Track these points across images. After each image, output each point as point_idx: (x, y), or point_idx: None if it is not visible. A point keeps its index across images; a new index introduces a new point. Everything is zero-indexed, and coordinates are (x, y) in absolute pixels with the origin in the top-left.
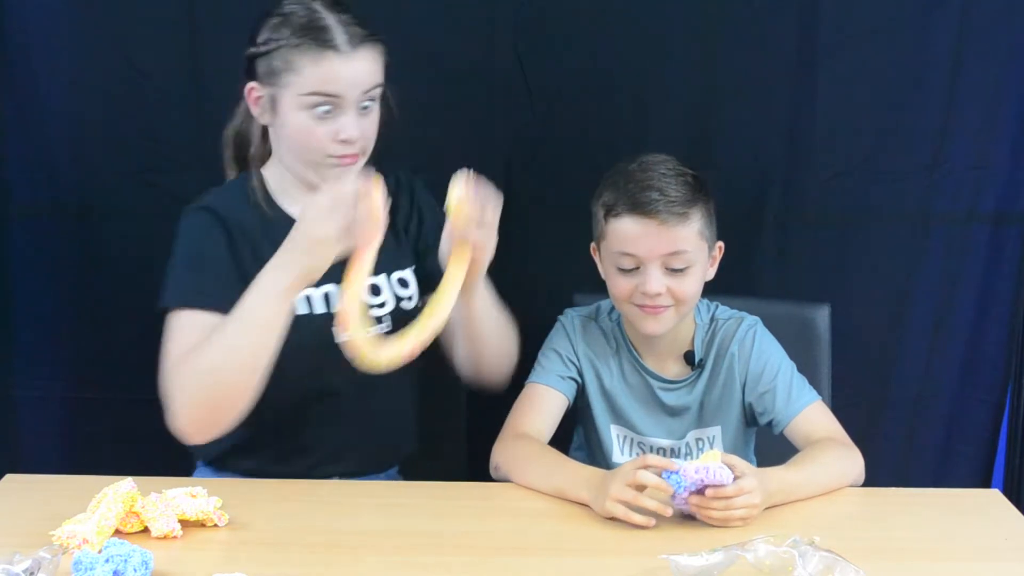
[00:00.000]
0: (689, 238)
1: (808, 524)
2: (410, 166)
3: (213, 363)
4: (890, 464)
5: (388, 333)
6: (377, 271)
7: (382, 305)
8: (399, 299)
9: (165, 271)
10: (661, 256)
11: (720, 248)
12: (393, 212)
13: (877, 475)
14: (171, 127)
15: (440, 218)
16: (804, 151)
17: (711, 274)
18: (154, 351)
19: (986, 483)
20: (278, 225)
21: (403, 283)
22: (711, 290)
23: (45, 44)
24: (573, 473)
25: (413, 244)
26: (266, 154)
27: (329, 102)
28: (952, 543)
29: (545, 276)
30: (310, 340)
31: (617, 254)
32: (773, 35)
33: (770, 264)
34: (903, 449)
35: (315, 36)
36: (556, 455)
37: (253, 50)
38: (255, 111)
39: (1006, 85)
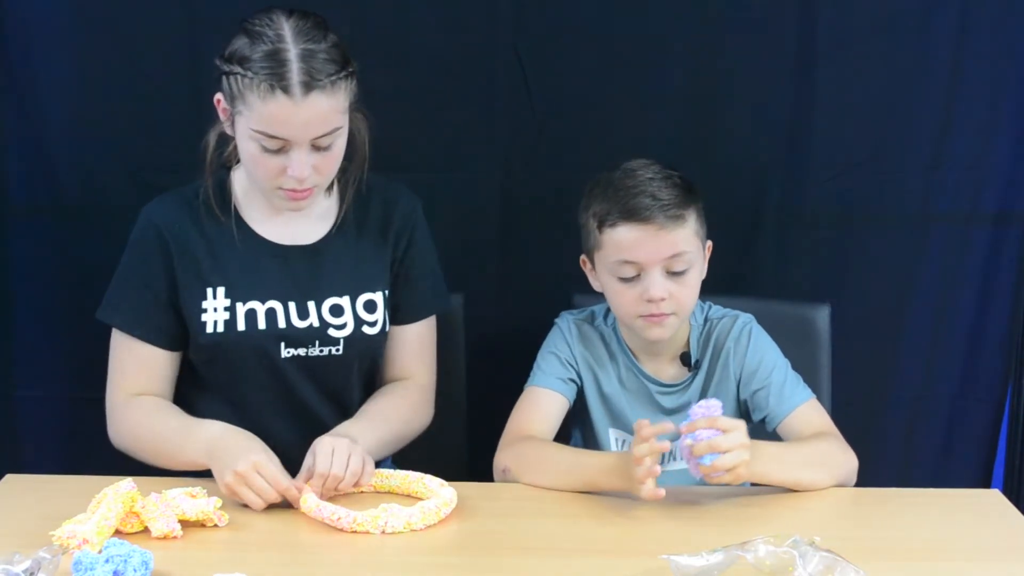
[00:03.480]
0: (687, 239)
1: (808, 524)
2: (410, 166)
3: (142, 442)
4: (890, 464)
5: (337, 356)
6: (340, 292)
7: (342, 327)
8: (361, 323)
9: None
10: (662, 260)
11: (709, 247)
12: (382, 223)
13: (877, 475)
14: (171, 127)
15: (429, 253)
16: (804, 151)
17: (704, 272)
18: None
19: (986, 483)
20: (230, 234)
21: (370, 306)
22: (712, 290)
23: (45, 44)
24: (600, 464)
25: (396, 266)
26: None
27: (277, 142)
28: (952, 543)
29: (545, 276)
30: (252, 355)
31: (616, 263)
32: (773, 35)
33: (770, 264)
34: (903, 449)
35: (270, 72)
36: (571, 450)
37: (218, 64)
38: (223, 120)
39: (1006, 85)
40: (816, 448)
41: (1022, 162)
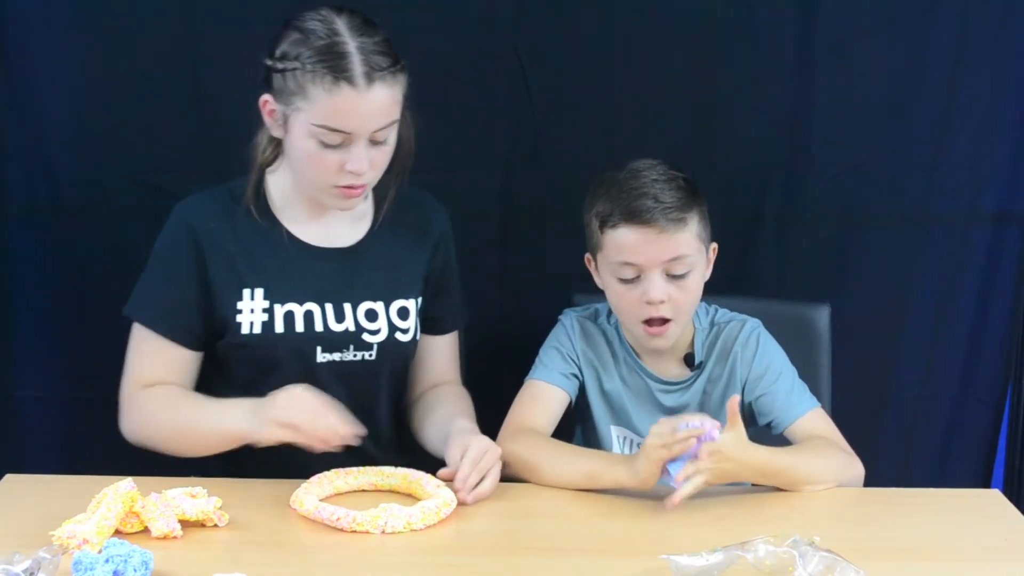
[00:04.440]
0: (688, 243)
1: (808, 524)
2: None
3: (159, 428)
4: (890, 464)
5: (370, 362)
6: (375, 297)
7: (376, 332)
8: (395, 329)
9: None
10: (662, 263)
11: (714, 249)
12: (417, 230)
13: (877, 475)
14: (171, 127)
15: (454, 272)
16: (804, 151)
17: (707, 275)
18: None
19: (986, 483)
20: (265, 235)
21: (403, 313)
22: (712, 290)
23: (45, 44)
24: (602, 458)
25: (435, 278)
26: (274, 159)
27: (339, 136)
28: (952, 543)
29: (545, 276)
30: (288, 357)
31: (617, 264)
32: (773, 35)
33: (770, 264)
34: (903, 449)
35: (332, 64)
36: (573, 446)
37: (269, 63)
38: (268, 123)
39: (1006, 85)
40: (812, 454)
41: (1022, 162)
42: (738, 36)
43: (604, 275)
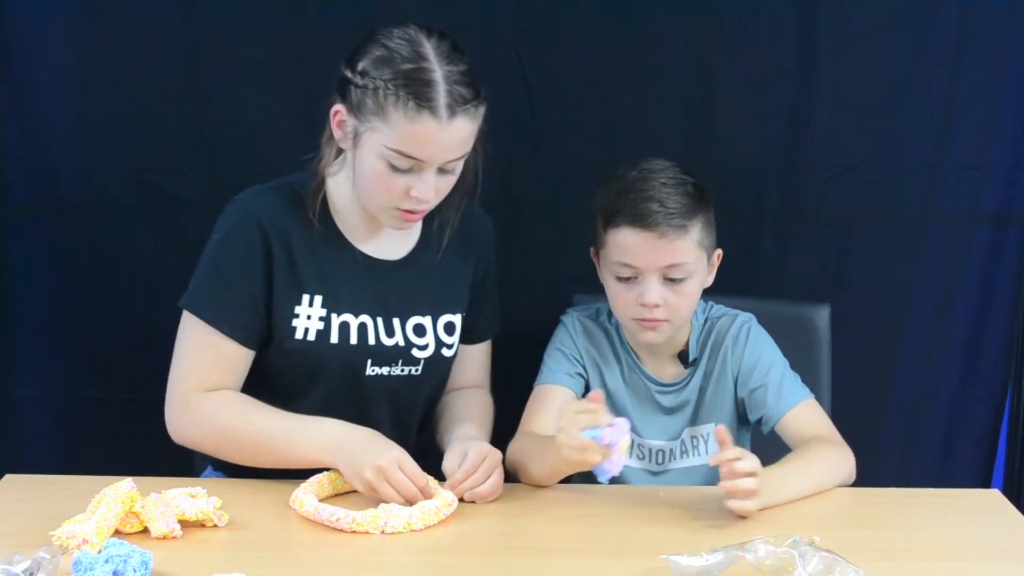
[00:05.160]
0: (688, 250)
1: (808, 524)
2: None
3: (223, 435)
4: (890, 464)
5: (415, 377)
6: (423, 312)
7: (424, 348)
8: (441, 344)
9: (198, 260)
10: (660, 268)
11: (719, 256)
12: (461, 241)
13: (877, 475)
14: (171, 127)
15: (493, 282)
16: (804, 151)
17: (709, 281)
18: (154, 352)
19: (986, 483)
20: (327, 241)
21: (450, 328)
22: (712, 290)
23: (45, 44)
24: (547, 447)
25: (476, 289)
26: (332, 161)
27: (411, 162)
28: (952, 543)
29: (545, 276)
30: (337, 368)
31: (616, 264)
32: (773, 35)
33: (770, 264)
34: (903, 449)
35: (415, 91)
36: (540, 440)
37: (348, 75)
38: (336, 134)
39: (1006, 85)
40: (817, 460)
41: (1022, 162)
42: (738, 36)
43: (604, 271)
